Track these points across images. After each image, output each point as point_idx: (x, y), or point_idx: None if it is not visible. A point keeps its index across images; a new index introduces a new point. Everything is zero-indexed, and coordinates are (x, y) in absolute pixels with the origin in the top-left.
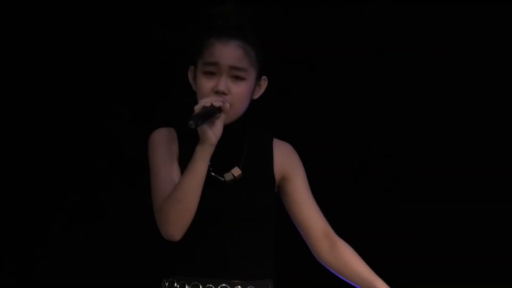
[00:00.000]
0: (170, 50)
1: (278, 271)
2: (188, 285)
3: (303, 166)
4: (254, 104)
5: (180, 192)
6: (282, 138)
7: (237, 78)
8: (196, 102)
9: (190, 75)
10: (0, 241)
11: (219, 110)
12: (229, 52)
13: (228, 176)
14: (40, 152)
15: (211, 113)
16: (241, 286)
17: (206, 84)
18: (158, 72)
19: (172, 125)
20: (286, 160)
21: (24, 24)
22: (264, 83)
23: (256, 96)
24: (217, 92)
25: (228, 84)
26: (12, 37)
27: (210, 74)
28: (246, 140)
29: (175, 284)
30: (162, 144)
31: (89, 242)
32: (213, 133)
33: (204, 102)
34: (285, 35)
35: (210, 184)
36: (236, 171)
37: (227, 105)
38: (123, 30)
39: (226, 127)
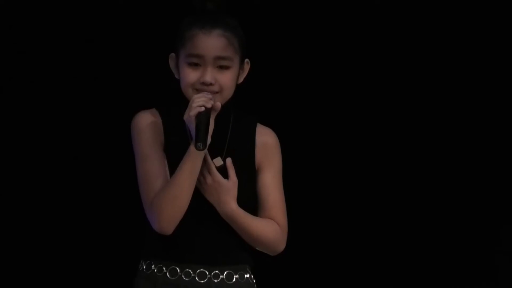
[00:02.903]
0: (150, 33)
1: (254, 256)
2: (166, 269)
3: (282, 155)
4: (239, 90)
5: (175, 189)
6: (268, 124)
7: (222, 67)
8: (179, 88)
9: (171, 63)
10: None
11: (210, 110)
12: (212, 43)
13: None
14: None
15: (208, 120)
16: (218, 271)
17: (191, 75)
18: (141, 55)
19: (155, 106)
20: (265, 150)
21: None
22: (247, 66)
23: (241, 80)
24: (204, 83)
25: (214, 74)
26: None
27: (195, 65)
28: (230, 129)
29: (152, 267)
30: (147, 130)
31: (68, 222)
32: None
33: (198, 107)
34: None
35: None
36: (218, 161)
37: (218, 104)
38: (107, 16)
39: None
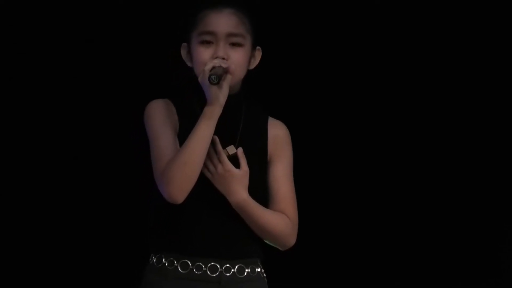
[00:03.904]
0: (159, 25)
1: (265, 250)
2: (177, 262)
3: (292, 149)
4: (250, 78)
5: (187, 154)
6: (277, 116)
7: (235, 44)
8: (191, 77)
9: (183, 52)
10: None
11: (225, 71)
12: (224, 20)
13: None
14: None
15: (221, 74)
16: (230, 265)
17: (204, 53)
18: (140, 55)
19: (168, 97)
20: (276, 143)
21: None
22: (258, 54)
23: (252, 66)
24: (217, 58)
25: (227, 51)
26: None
27: (207, 43)
28: (242, 117)
29: (163, 260)
30: (161, 112)
31: (69, 221)
32: (221, 93)
33: (213, 62)
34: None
35: None
36: (231, 149)
37: (233, 66)
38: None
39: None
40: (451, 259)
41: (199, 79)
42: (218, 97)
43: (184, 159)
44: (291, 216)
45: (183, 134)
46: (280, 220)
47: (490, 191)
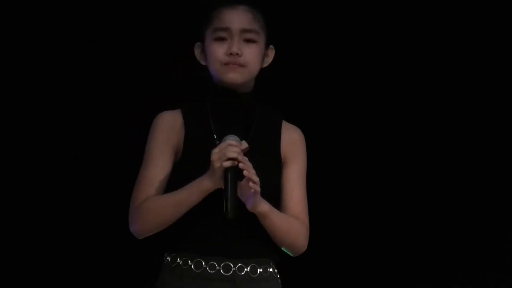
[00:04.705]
0: (150, 34)
1: (279, 251)
2: (191, 262)
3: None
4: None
5: (166, 207)
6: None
7: (249, 41)
8: (205, 76)
9: (197, 52)
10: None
11: (237, 167)
12: (239, 16)
13: None
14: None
15: (236, 180)
16: (242, 264)
17: (218, 49)
18: (140, 55)
19: (178, 105)
20: (291, 145)
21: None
22: (271, 52)
23: (265, 64)
24: (231, 54)
25: (241, 46)
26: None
27: (222, 39)
28: (255, 116)
29: (178, 260)
30: (161, 133)
31: (92, 215)
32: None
33: (231, 161)
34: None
35: None
36: (243, 145)
37: (247, 146)
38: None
39: (237, 97)
40: (454, 260)
41: (210, 168)
42: (219, 184)
43: (164, 211)
44: (305, 220)
45: (190, 144)
46: (298, 226)
47: (494, 191)
